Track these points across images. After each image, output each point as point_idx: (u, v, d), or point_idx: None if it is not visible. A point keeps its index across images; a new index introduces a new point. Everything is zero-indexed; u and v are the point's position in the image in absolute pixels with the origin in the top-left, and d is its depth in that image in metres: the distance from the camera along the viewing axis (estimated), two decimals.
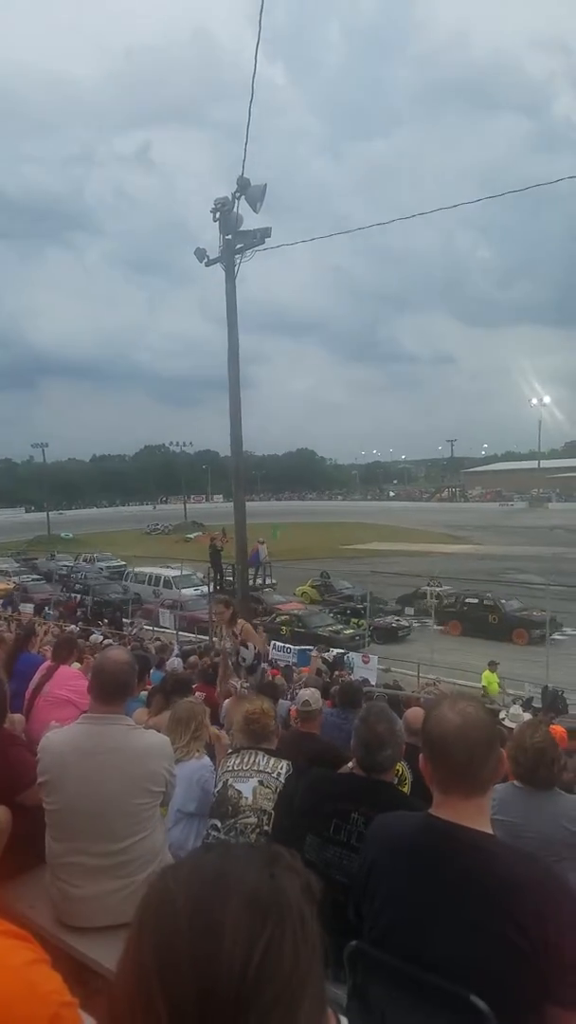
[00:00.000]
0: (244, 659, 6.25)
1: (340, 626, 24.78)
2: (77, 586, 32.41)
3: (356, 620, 25.30)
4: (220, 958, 0.59)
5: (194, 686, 6.71)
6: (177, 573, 30.44)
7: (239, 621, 6.52)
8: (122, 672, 2.71)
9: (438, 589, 27.73)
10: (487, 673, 16.46)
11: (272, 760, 3.29)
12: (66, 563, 40.75)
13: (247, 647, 6.33)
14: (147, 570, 33.16)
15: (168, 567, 32.10)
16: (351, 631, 24.08)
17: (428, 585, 28.23)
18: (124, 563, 39.66)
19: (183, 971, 0.60)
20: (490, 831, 1.69)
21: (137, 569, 33.70)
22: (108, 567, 39.32)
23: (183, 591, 28.16)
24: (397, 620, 25.58)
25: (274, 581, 27.70)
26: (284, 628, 23.71)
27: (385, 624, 24.93)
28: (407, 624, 25.41)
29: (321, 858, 2.56)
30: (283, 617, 24.91)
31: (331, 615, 26.32)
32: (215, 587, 23.27)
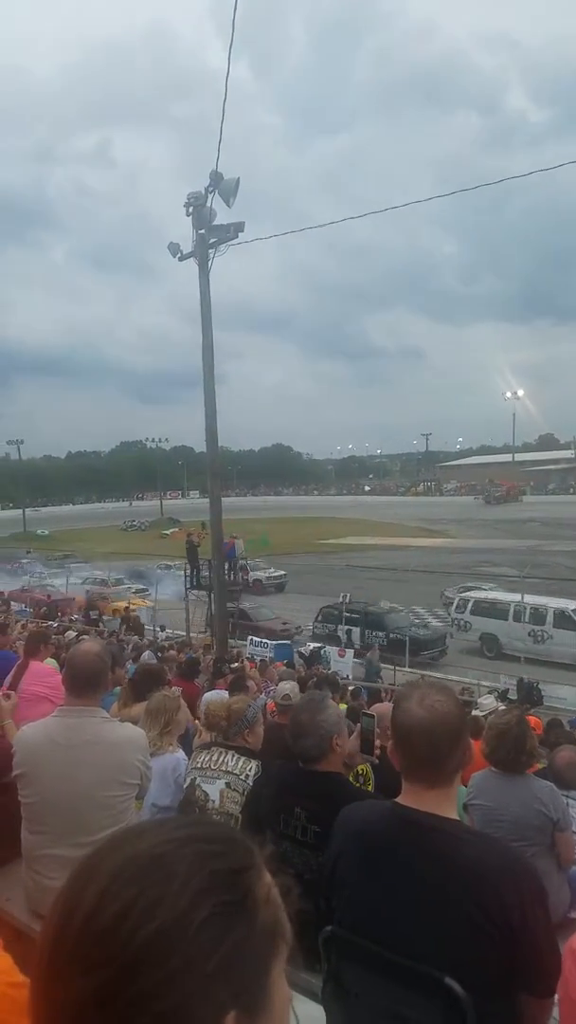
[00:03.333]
0: None
1: None
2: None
3: None
4: (81, 906, 0.60)
5: (171, 679, 6.72)
6: None
7: None
8: (91, 664, 2.70)
9: None
10: None
11: (241, 761, 3.22)
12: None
13: None
14: (510, 598, 21.31)
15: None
16: None
17: None
18: (284, 573, 33.67)
19: (51, 914, 0.62)
20: (455, 817, 1.71)
21: (479, 594, 22.88)
22: (268, 577, 33.43)
23: None
24: None
25: (248, 579, 26.19)
26: None
27: None
28: None
29: (274, 853, 2.54)
30: None
31: None
32: (192, 583, 23.21)
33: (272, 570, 34.67)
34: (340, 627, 22.25)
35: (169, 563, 35.55)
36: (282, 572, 34.61)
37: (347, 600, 23.26)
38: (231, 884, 0.64)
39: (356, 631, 21.80)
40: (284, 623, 24.24)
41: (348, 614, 22.41)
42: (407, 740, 1.68)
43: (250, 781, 3.13)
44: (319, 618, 24.07)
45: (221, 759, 3.25)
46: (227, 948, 0.61)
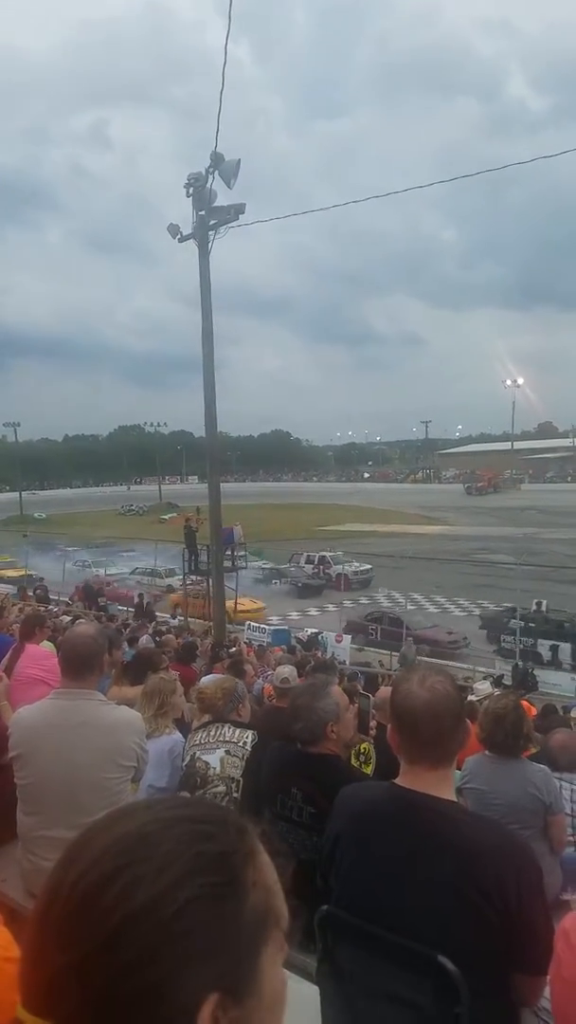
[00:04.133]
0: None
1: None
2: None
3: None
4: (66, 883, 0.62)
5: (167, 665, 6.74)
6: None
7: None
8: (85, 646, 2.70)
9: None
10: None
11: (238, 731, 3.29)
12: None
13: None
14: None
15: None
16: None
17: None
18: (370, 567, 30.77)
19: (41, 892, 0.64)
20: (454, 799, 1.72)
21: None
22: (355, 572, 30.69)
23: None
24: None
25: (245, 565, 25.11)
26: None
27: None
28: None
29: (272, 832, 2.58)
30: None
31: None
32: (190, 568, 23.20)
33: (356, 564, 31.26)
34: (540, 642, 18.95)
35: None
36: (368, 566, 31.28)
37: (544, 609, 19.75)
38: (219, 866, 0.64)
39: (566, 647, 18.18)
40: (449, 632, 20.71)
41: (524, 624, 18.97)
42: (411, 721, 1.68)
43: (248, 747, 3.18)
44: (487, 625, 20.61)
45: (218, 732, 3.30)
46: (210, 929, 0.60)
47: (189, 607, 22.87)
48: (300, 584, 29.85)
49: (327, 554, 31.80)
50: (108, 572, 30.60)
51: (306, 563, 31.35)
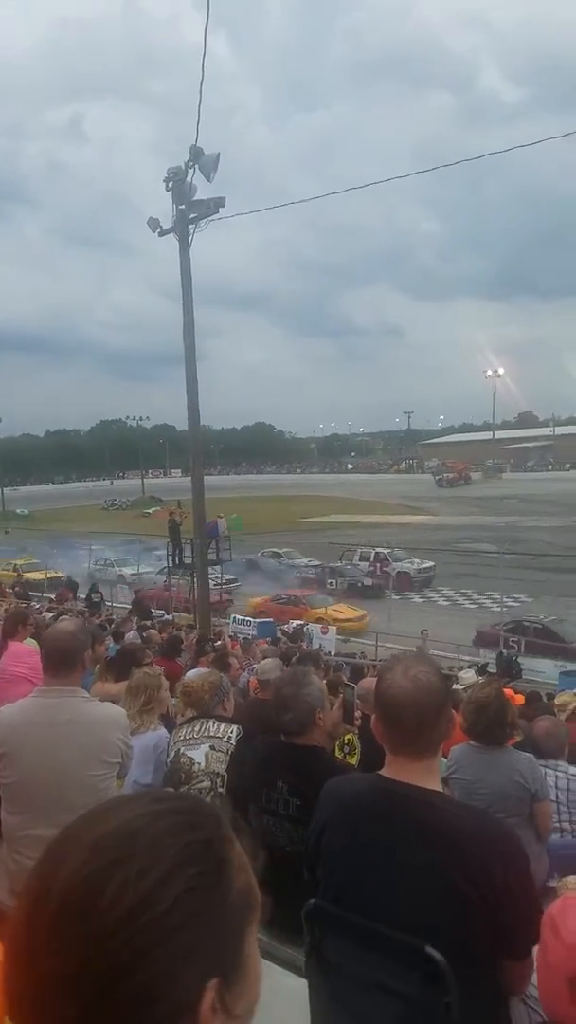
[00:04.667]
0: None
1: None
2: None
3: None
4: (56, 883, 0.60)
5: (152, 659, 6.71)
6: None
7: None
8: (65, 642, 2.67)
9: None
10: None
11: (222, 725, 3.28)
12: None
13: None
14: None
15: None
16: None
17: None
18: (432, 564, 28.61)
19: (26, 892, 0.62)
20: (439, 789, 1.73)
21: None
22: (418, 570, 28.42)
23: None
24: None
25: (230, 558, 24.44)
26: None
27: None
28: None
29: (258, 826, 2.60)
30: None
31: None
32: (174, 562, 23.11)
33: (418, 561, 28.59)
34: None
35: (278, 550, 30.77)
36: (430, 563, 28.72)
37: None
38: (206, 855, 0.64)
39: None
40: None
41: None
42: (393, 712, 1.67)
43: (233, 741, 3.18)
44: None
45: (203, 728, 3.30)
46: (203, 919, 0.60)
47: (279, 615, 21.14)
48: (360, 584, 27.04)
49: (384, 550, 29.19)
50: (132, 572, 29.39)
51: (360, 560, 29.07)
